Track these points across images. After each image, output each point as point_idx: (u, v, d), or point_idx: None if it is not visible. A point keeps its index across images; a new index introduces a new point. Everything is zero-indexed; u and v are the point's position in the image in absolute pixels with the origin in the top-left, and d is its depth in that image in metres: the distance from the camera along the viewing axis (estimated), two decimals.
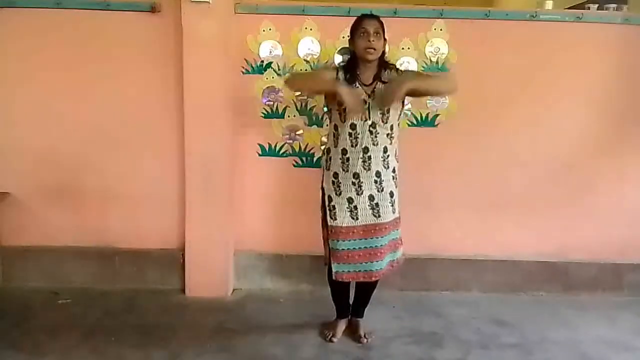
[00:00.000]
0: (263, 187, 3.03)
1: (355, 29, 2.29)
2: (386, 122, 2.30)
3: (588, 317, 2.84)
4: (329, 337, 2.53)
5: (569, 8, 3.48)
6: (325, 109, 2.56)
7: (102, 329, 2.58)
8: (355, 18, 2.33)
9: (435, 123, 2.96)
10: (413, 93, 2.28)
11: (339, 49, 2.83)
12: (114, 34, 2.85)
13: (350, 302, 2.61)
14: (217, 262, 2.96)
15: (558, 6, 3.30)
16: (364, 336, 2.52)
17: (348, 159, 2.31)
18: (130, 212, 3.01)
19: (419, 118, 2.95)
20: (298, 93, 2.88)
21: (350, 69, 2.33)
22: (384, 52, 2.34)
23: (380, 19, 2.30)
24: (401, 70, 2.43)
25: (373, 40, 2.23)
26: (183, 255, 2.97)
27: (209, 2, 2.68)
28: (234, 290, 3.04)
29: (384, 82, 2.31)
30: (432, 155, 2.99)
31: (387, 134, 2.32)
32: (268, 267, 3.08)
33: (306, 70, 2.85)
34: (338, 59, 2.83)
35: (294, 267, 3.06)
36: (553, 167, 3.01)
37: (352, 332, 2.57)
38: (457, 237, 3.07)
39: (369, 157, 2.30)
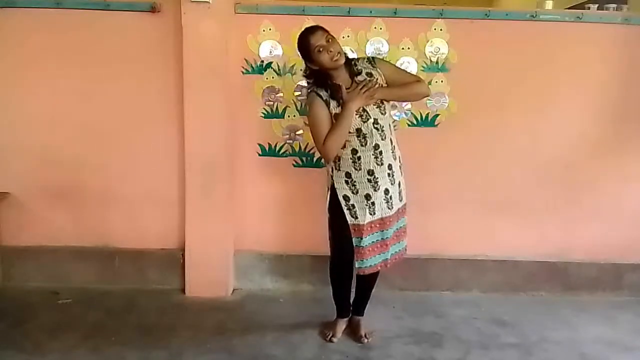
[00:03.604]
0: (263, 187, 3.02)
1: (307, 49, 2.21)
2: (385, 113, 2.31)
3: (588, 317, 2.84)
4: (329, 337, 2.53)
5: (569, 8, 3.49)
6: None
7: (102, 329, 2.58)
8: (301, 38, 2.24)
9: (435, 123, 2.96)
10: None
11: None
12: (114, 34, 2.84)
13: (351, 301, 2.62)
14: (217, 262, 2.96)
15: (558, 6, 3.30)
16: (364, 336, 2.53)
17: (359, 158, 2.30)
18: (130, 212, 3.01)
19: (419, 118, 2.95)
20: (298, 92, 2.90)
21: (326, 85, 2.26)
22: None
23: (318, 25, 2.26)
24: (373, 59, 2.38)
25: (332, 50, 2.19)
26: (183, 255, 2.97)
27: (209, 2, 2.68)
28: (234, 290, 3.04)
29: (359, 73, 2.29)
30: (432, 155, 2.99)
31: (389, 124, 2.35)
32: (268, 267, 3.08)
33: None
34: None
35: (294, 267, 3.06)
36: (553, 167, 3.01)
37: (353, 332, 2.57)
38: (457, 237, 3.07)
39: (380, 153, 2.30)
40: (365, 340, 2.51)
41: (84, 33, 2.84)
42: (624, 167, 3.02)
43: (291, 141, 2.97)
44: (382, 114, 2.30)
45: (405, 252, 2.53)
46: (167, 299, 2.91)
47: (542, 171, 3.01)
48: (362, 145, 2.29)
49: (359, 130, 2.28)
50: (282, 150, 2.98)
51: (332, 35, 2.25)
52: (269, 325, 2.66)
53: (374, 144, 2.28)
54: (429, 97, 2.87)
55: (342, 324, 2.59)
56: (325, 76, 2.27)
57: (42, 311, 2.74)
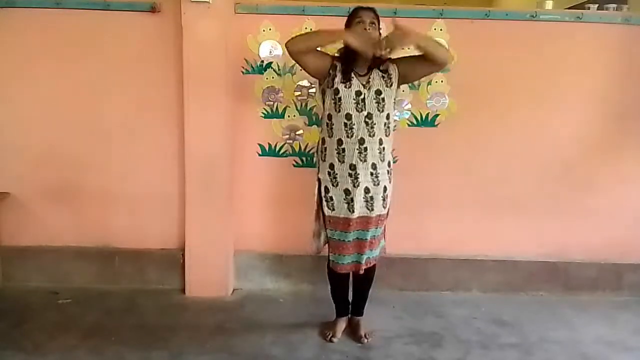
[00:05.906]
0: (263, 187, 3.03)
1: (351, 20, 2.30)
2: (382, 111, 2.28)
3: (588, 317, 2.84)
4: (329, 337, 2.53)
5: (569, 8, 3.48)
6: (321, 98, 2.48)
7: (102, 329, 2.58)
8: (354, 9, 2.32)
9: (435, 123, 2.96)
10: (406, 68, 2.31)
11: (338, 49, 2.83)
12: (114, 34, 2.85)
13: (350, 299, 2.61)
14: (217, 262, 2.96)
15: (558, 6, 3.30)
16: (364, 336, 2.53)
17: (344, 150, 2.30)
18: (130, 212, 3.01)
19: (419, 118, 2.95)
20: (298, 92, 2.89)
21: (346, 60, 2.31)
22: None
23: (376, 11, 2.29)
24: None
25: (369, 29, 2.23)
26: (183, 255, 2.97)
27: (209, 2, 2.68)
28: (234, 290, 3.04)
29: (380, 70, 2.30)
30: (432, 155, 2.99)
31: (384, 124, 2.30)
32: (268, 267, 3.08)
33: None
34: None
35: (294, 267, 3.06)
36: (553, 167, 3.01)
37: (353, 332, 2.57)
38: (457, 237, 3.07)
39: (365, 149, 2.29)
40: (365, 340, 2.51)
41: (84, 33, 2.85)
42: (624, 167, 3.02)
43: (291, 141, 2.97)
44: (378, 110, 2.25)
45: (376, 260, 2.48)
46: (167, 299, 2.91)
47: (542, 171, 3.02)
48: (347, 137, 2.29)
49: (348, 116, 2.27)
50: (282, 150, 2.98)
51: (379, 26, 2.27)
52: (269, 325, 2.66)
53: (359, 137, 2.27)
54: (428, 98, 2.89)
55: (341, 324, 2.59)
56: (348, 53, 2.27)
57: (42, 311, 2.74)
